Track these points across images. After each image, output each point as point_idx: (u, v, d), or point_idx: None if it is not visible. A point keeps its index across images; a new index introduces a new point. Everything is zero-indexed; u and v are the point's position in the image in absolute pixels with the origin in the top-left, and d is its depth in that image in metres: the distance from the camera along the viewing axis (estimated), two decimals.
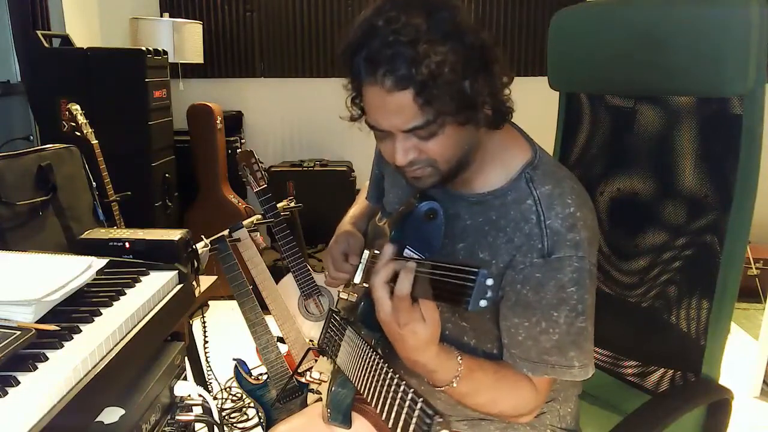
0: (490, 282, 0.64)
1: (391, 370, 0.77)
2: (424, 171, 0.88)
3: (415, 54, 0.77)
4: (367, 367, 0.84)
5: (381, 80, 0.79)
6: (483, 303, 0.64)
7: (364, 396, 0.84)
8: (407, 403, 0.70)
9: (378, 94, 0.81)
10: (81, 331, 0.86)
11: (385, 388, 0.77)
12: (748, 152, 0.97)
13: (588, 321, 0.89)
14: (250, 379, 1.82)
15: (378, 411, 0.77)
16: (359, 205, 1.31)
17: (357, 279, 0.96)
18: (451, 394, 0.86)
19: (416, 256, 0.82)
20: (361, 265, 0.96)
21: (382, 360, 0.81)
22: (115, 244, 1.16)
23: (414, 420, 0.67)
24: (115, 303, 0.96)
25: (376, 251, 0.91)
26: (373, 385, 0.81)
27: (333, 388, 0.98)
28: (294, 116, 3.70)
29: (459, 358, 0.84)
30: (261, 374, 1.93)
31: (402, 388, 0.72)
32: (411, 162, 0.87)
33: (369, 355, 0.85)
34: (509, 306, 0.89)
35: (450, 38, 0.79)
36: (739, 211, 0.98)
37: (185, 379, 1.19)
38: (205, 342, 1.99)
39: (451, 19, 0.80)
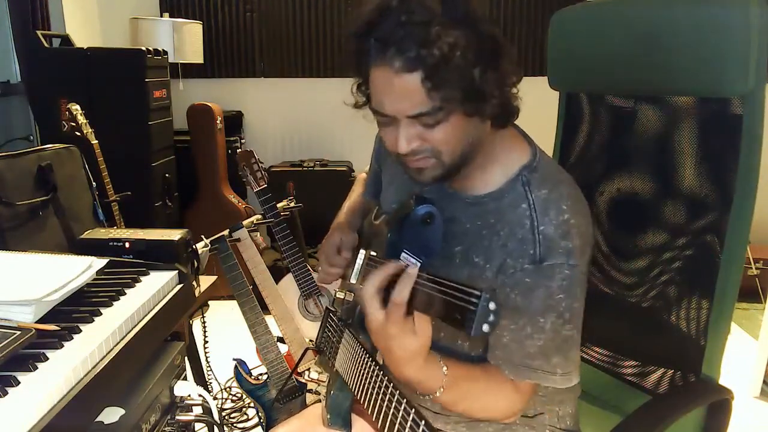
0: (493, 306, 0.63)
1: (386, 378, 0.77)
2: (428, 162, 0.85)
3: (427, 36, 0.75)
4: (364, 376, 0.84)
5: (390, 61, 0.77)
6: (486, 328, 0.63)
7: (362, 403, 0.83)
8: (401, 413, 0.69)
9: (386, 76, 0.79)
10: (81, 331, 0.86)
11: (381, 398, 0.76)
12: (748, 152, 0.96)
13: (575, 329, 0.88)
14: (250, 379, 1.82)
15: (374, 419, 0.77)
16: (353, 200, 1.29)
17: (353, 279, 0.95)
18: (436, 401, 0.86)
19: (414, 261, 0.82)
20: (356, 265, 0.95)
21: (379, 369, 0.80)
22: (115, 244, 1.16)
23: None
24: (115, 303, 0.96)
25: (372, 252, 0.91)
26: (371, 393, 0.80)
27: (332, 392, 0.98)
28: (294, 116, 3.70)
29: (444, 368, 0.83)
30: (261, 374, 1.93)
31: (396, 397, 0.72)
32: (414, 151, 0.84)
33: (367, 362, 0.84)
34: None
35: (463, 24, 0.77)
36: (739, 211, 0.98)
37: (185, 379, 1.19)
38: (205, 342, 1.99)
39: (465, 6, 0.78)
